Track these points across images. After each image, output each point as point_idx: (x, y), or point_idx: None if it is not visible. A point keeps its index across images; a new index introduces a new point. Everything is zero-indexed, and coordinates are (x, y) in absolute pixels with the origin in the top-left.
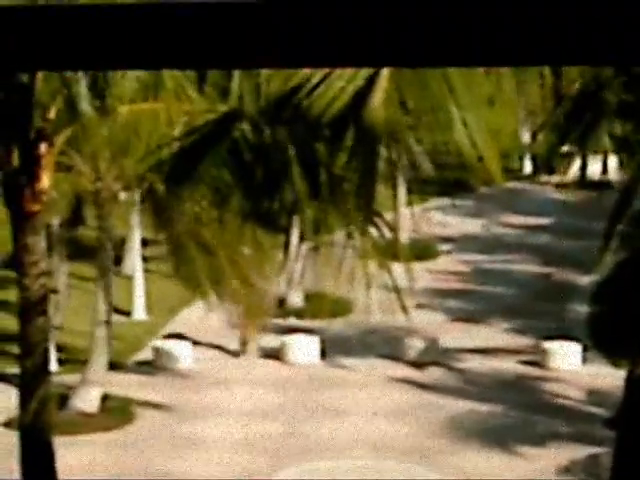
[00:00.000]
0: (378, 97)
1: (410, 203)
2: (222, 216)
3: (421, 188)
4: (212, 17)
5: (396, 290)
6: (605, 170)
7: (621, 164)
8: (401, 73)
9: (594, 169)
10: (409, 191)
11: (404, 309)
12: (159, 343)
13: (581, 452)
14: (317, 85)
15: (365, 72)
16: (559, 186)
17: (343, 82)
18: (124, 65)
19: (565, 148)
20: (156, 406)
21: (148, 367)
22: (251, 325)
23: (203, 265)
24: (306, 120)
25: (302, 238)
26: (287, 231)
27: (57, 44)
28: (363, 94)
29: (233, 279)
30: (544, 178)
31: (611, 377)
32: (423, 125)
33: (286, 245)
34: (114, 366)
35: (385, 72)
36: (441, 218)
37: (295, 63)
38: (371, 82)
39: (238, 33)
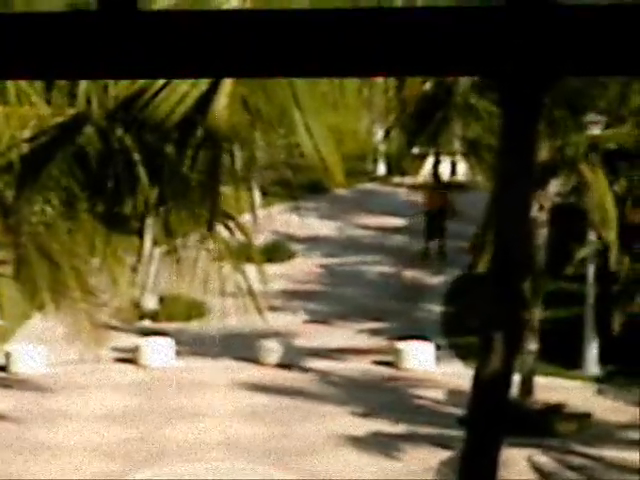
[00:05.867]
0: (222, 101)
1: (265, 205)
2: (70, 221)
3: (274, 190)
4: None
5: (251, 292)
6: (454, 172)
7: (470, 166)
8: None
9: (445, 171)
10: (264, 193)
11: (259, 311)
12: (11, 348)
13: (442, 451)
14: (161, 88)
15: None
16: (411, 187)
17: (187, 86)
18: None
19: (418, 150)
20: (8, 412)
21: (0, 372)
22: (95, 332)
23: (42, 272)
24: (152, 123)
25: (156, 241)
26: (140, 235)
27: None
28: (207, 98)
29: (73, 287)
30: (397, 180)
31: (463, 377)
32: (270, 129)
33: (139, 248)
34: None
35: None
36: (295, 220)
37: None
38: (215, 86)
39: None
